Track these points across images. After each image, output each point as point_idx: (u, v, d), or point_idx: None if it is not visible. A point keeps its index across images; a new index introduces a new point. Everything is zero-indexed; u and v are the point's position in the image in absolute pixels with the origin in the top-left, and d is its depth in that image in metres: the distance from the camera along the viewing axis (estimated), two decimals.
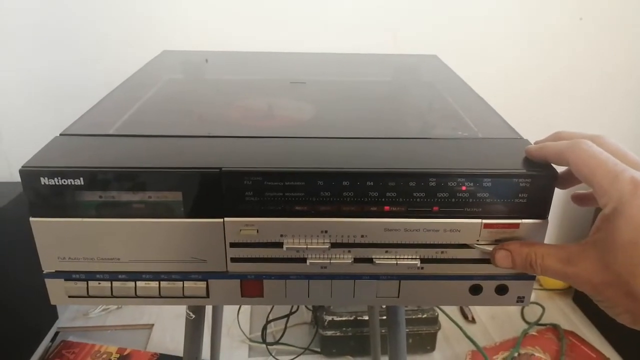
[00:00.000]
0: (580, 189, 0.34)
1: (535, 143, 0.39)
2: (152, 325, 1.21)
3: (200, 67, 0.70)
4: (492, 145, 0.42)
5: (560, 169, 0.37)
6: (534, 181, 0.37)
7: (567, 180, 0.38)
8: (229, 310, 1.18)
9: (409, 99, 0.60)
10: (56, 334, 1.16)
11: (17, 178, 0.36)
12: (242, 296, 0.41)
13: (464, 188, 0.37)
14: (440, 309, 1.16)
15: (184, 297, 0.41)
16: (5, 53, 1.09)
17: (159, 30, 1.10)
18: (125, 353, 1.11)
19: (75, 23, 1.08)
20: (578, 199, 0.40)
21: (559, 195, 0.37)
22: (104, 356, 1.10)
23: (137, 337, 1.17)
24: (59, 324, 1.20)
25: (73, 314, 1.23)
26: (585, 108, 1.27)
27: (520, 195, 0.37)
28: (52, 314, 1.20)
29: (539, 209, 0.38)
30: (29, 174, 0.36)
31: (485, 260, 0.39)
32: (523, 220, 0.38)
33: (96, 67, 1.10)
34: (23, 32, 1.08)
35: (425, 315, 1.10)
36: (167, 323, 1.21)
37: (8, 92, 1.12)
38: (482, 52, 1.19)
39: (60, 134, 0.42)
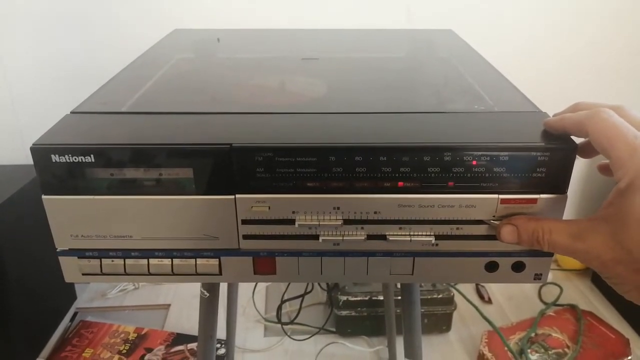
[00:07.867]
0: (604, 158, 0.33)
1: (554, 115, 0.38)
2: (169, 305, 1.22)
3: (212, 45, 0.70)
4: (509, 119, 0.41)
5: (580, 139, 0.36)
6: (552, 154, 0.35)
7: (587, 150, 0.36)
8: (244, 290, 1.19)
9: (423, 73, 0.59)
10: (75, 314, 1.18)
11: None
12: (254, 273, 0.41)
13: (477, 163, 0.36)
14: (456, 289, 1.16)
15: (197, 274, 0.40)
16: (20, 37, 1.09)
17: (171, 9, 1.09)
18: (143, 332, 1.12)
19: (87, 3, 1.08)
20: (604, 169, 0.38)
21: (579, 170, 0.36)
22: (122, 335, 1.11)
23: (155, 317, 1.19)
24: (77, 304, 1.22)
25: (91, 294, 1.25)
26: (608, 83, 1.24)
27: (538, 169, 0.36)
28: (70, 294, 1.22)
29: (558, 183, 0.36)
30: (39, 151, 0.36)
31: None
32: (541, 195, 0.37)
33: (110, 47, 1.10)
34: (36, 16, 1.08)
35: (440, 296, 1.10)
36: (184, 303, 1.23)
37: (24, 78, 1.13)
38: (502, 28, 1.16)
39: (71, 112, 0.42)
